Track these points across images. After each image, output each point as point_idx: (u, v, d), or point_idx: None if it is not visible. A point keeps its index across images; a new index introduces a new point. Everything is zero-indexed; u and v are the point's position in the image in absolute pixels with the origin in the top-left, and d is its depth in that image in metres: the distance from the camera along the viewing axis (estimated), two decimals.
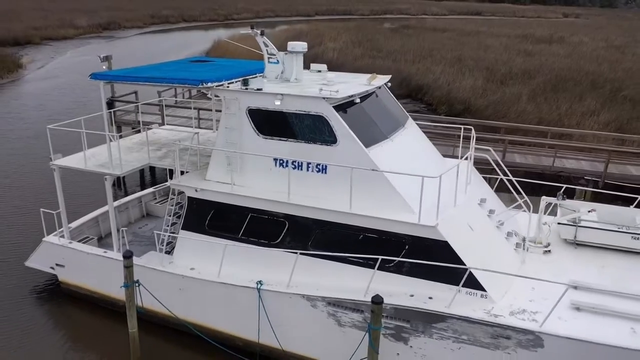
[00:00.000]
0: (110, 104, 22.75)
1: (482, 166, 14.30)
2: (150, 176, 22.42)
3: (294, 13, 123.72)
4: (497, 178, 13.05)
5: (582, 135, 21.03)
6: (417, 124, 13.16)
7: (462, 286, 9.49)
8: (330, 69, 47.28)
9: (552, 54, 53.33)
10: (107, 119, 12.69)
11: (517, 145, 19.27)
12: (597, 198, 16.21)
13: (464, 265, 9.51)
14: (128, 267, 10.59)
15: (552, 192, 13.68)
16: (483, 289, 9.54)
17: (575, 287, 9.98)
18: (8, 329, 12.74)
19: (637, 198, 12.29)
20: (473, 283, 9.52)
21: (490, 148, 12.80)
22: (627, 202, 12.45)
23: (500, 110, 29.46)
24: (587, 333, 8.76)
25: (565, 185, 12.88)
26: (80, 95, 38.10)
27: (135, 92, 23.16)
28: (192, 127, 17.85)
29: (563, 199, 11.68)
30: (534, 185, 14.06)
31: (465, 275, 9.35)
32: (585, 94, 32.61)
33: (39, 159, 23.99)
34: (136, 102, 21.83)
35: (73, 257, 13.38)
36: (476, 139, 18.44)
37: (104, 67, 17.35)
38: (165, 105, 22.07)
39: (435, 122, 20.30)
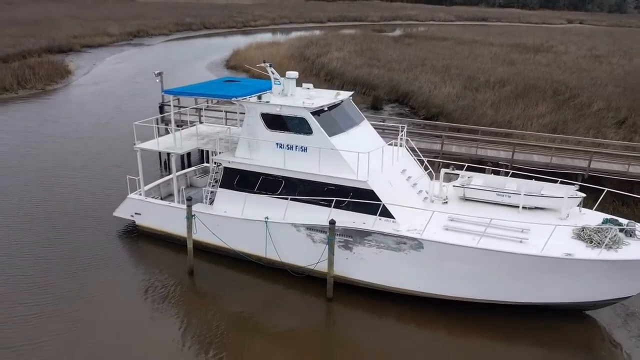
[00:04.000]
0: (161, 108, 30.40)
1: (429, 154, 21.38)
2: (187, 160, 29.82)
3: (307, 20, 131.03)
4: (438, 162, 20.04)
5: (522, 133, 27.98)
6: (397, 124, 20.16)
7: (380, 215, 16.61)
8: (333, 76, 56.91)
9: (534, 63, 59.14)
10: (173, 118, 20.18)
11: (458, 139, 26.29)
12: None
13: (381, 202, 16.65)
14: (189, 206, 17.96)
15: (469, 169, 20.64)
16: (393, 217, 16.63)
17: (452, 220, 17.05)
18: (103, 258, 19.45)
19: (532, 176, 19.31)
20: (387, 214, 16.63)
21: (409, 139, 19.95)
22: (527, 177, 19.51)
23: (466, 113, 36.26)
24: (446, 239, 15.82)
25: (466, 164, 19.92)
26: (120, 102, 44.29)
27: (178, 99, 30.61)
28: (223, 124, 25.27)
29: (453, 169, 18.73)
30: (468, 168, 21.16)
31: (380, 208, 16.51)
32: (543, 101, 38.81)
33: (96, 155, 30.52)
34: (185, 107, 29.20)
35: (148, 208, 20.79)
36: (424, 135, 25.52)
37: (157, 81, 25.16)
38: (202, 109, 29.62)
39: (384, 121, 27.37)
